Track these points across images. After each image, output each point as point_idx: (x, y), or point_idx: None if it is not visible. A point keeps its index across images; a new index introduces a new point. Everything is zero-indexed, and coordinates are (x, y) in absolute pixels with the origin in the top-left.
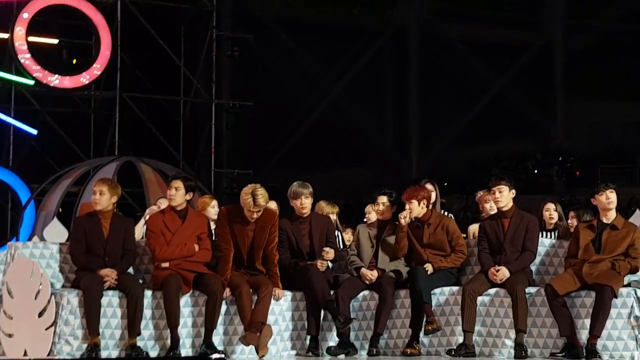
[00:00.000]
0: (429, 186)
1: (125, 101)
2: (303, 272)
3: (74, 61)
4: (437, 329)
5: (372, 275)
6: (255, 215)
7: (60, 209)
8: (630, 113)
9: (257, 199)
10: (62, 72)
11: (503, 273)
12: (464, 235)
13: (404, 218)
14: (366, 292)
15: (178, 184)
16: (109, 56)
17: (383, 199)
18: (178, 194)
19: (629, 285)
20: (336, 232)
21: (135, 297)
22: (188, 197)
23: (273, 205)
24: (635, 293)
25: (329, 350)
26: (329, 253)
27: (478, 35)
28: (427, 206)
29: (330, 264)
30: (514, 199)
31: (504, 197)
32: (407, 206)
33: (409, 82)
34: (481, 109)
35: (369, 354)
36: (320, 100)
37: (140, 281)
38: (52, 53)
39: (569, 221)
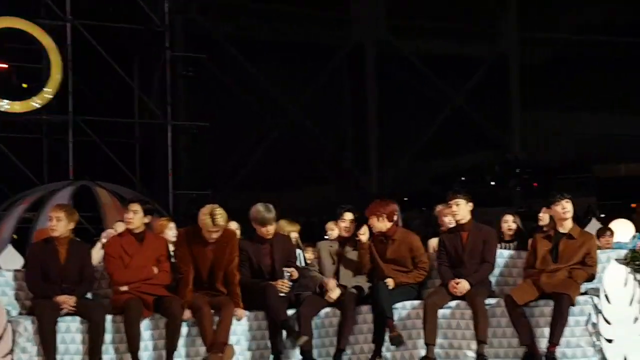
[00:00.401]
0: (347, 215)
1: (78, 125)
2: (261, 292)
3: (24, 85)
4: (400, 336)
5: (334, 293)
6: (214, 236)
7: (14, 236)
8: (585, 124)
9: (216, 219)
10: (12, 97)
11: (463, 286)
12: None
13: (363, 235)
14: (328, 309)
15: (136, 207)
16: (60, 79)
17: (349, 215)
18: (136, 217)
19: (586, 293)
20: (297, 251)
21: (97, 322)
22: (146, 220)
23: (233, 225)
24: (593, 301)
25: None
26: (293, 274)
27: (434, 50)
28: (391, 221)
29: (290, 284)
30: (472, 211)
31: (461, 210)
32: (369, 221)
33: (367, 99)
34: (440, 124)
35: None
36: (278, 119)
37: (102, 305)
38: (1, 77)
39: (540, 214)
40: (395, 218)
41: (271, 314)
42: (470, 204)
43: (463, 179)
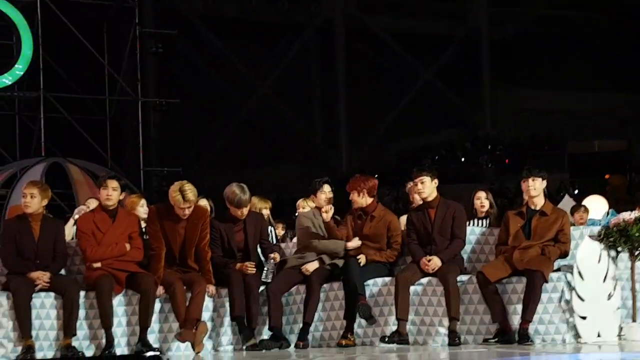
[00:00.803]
0: (203, 202)
1: (50, 101)
2: (226, 278)
3: None
4: (368, 306)
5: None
6: (187, 212)
7: None
8: (557, 100)
9: (186, 194)
10: None
11: (435, 262)
12: None
13: (325, 213)
14: (299, 286)
15: (114, 184)
16: (31, 56)
17: (327, 187)
18: (115, 194)
19: (559, 270)
20: (269, 228)
21: (71, 298)
22: (121, 197)
23: (204, 202)
24: (566, 277)
25: (262, 343)
26: (276, 258)
27: (404, 26)
28: (372, 197)
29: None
30: (439, 188)
31: (426, 187)
32: (350, 196)
33: (336, 76)
34: (410, 101)
35: (296, 347)
36: (248, 97)
37: (76, 281)
38: None
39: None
40: (375, 194)
41: (231, 306)
42: (436, 181)
43: (436, 157)
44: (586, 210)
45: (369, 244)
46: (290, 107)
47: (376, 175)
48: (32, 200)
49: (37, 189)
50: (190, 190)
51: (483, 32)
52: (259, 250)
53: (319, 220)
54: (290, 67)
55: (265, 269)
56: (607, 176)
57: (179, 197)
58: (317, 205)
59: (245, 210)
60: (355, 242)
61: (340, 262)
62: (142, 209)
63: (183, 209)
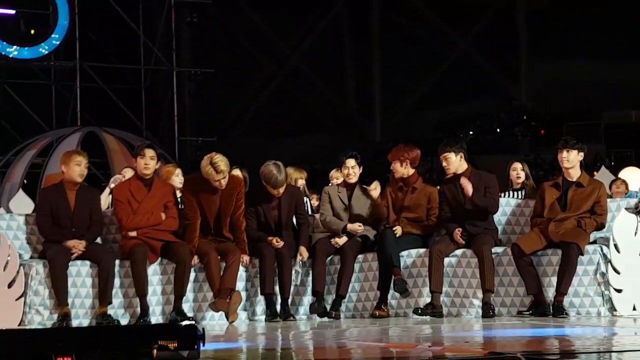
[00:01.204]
0: (236, 172)
1: (85, 71)
2: (259, 252)
3: (32, 31)
4: (403, 281)
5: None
6: (223, 183)
7: (25, 181)
8: (593, 70)
9: (218, 166)
10: (20, 43)
11: (467, 187)
12: None
13: (374, 190)
14: (333, 256)
15: (152, 153)
16: (67, 26)
17: (351, 161)
18: (152, 163)
19: (594, 242)
20: (304, 199)
21: (106, 267)
22: (157, 166)
23: (238, 172)
24: (601, 250)
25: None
26: (303, 255)
27: None
28: (414, 167)
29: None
30: (474, 159)
31: (451, 164)
32: (392, 166)
33: (370, 46)
34: (445, 71)
35: (329, 316)
36: (281, 67)
37: (111, 250)
38: (9, 24)
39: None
40: (417, 164)
41: (260, 283)
42: (462, 154)
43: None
44: (623, 182)
45: (408, 216)
46: (324, 77)
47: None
48: (82, 169)
49: (81, 157)
50: (221, 160)
51: (519, 2)
52: (294, 221)
53: (343, 194)
54: (323, 35)
55: (294, 270)
56: None
57: (211, 170)
58: (344, 179)
59: (282, 190)
60: (355, 226)
61: (371, 234)
62: (177, 179)
63: (218, 180)
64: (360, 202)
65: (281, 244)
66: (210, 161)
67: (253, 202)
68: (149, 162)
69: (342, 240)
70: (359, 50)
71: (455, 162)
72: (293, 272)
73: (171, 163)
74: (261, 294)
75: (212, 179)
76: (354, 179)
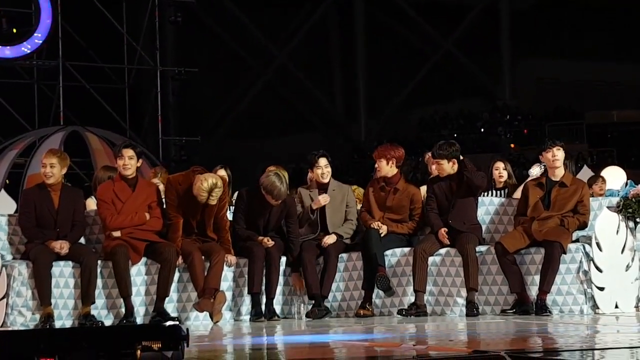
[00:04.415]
0: (221, 172)
1: (69, 70)
2: (249, 251)
3: (14, 30)
4: (386, 278)
5: (323, 199)
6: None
7: (7, 181)
8: (576, 70)
9: (212, 197)
10: (2, 42)
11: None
12: None
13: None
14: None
15: (131, 152)
16: (50, 24)
17: (323, 160)
18: (131, 162)
19: (577, 241)
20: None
21: (88, 266)
22: (138, 164)
23: (222, 172)
24: (584, 248)
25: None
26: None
27: None
28: (398, 167)
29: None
30: (459, 162)
31: (444, 169)
32: (377, 164)
33: (355, 45)
34: (429, 70)
35: (306, 316)
36: (267, 66)
37: (94, 250)
38: None
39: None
40: (401, 164)
41: (248, 282)
42: (453, 161)
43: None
44: (604, 181)
45: (391, 216)
46: (310, 76)
47: None
48: (52, 170)
49: (56, 158)
50: (217, 195)
51: (503, 2)
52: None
53: (315, 194)
54: (309, 35)
55: (296, 303)
56: None
57: (204, 197)
58: (315, 180)
59: (280, 201)
60: (264, 240)
61: (345, 233)
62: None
63: (202, 197)
64: (335, 203)
65: (271, 243)
66: (209, 189)
67: (245, 202)
68: (127, 162)
69: (331, 239)
70: (344, 50)
71: (448, 167)
72: (295, 306)
73: (157, 165)
74: (248, 292)
75: (198, 198)
76: (327, 179)
